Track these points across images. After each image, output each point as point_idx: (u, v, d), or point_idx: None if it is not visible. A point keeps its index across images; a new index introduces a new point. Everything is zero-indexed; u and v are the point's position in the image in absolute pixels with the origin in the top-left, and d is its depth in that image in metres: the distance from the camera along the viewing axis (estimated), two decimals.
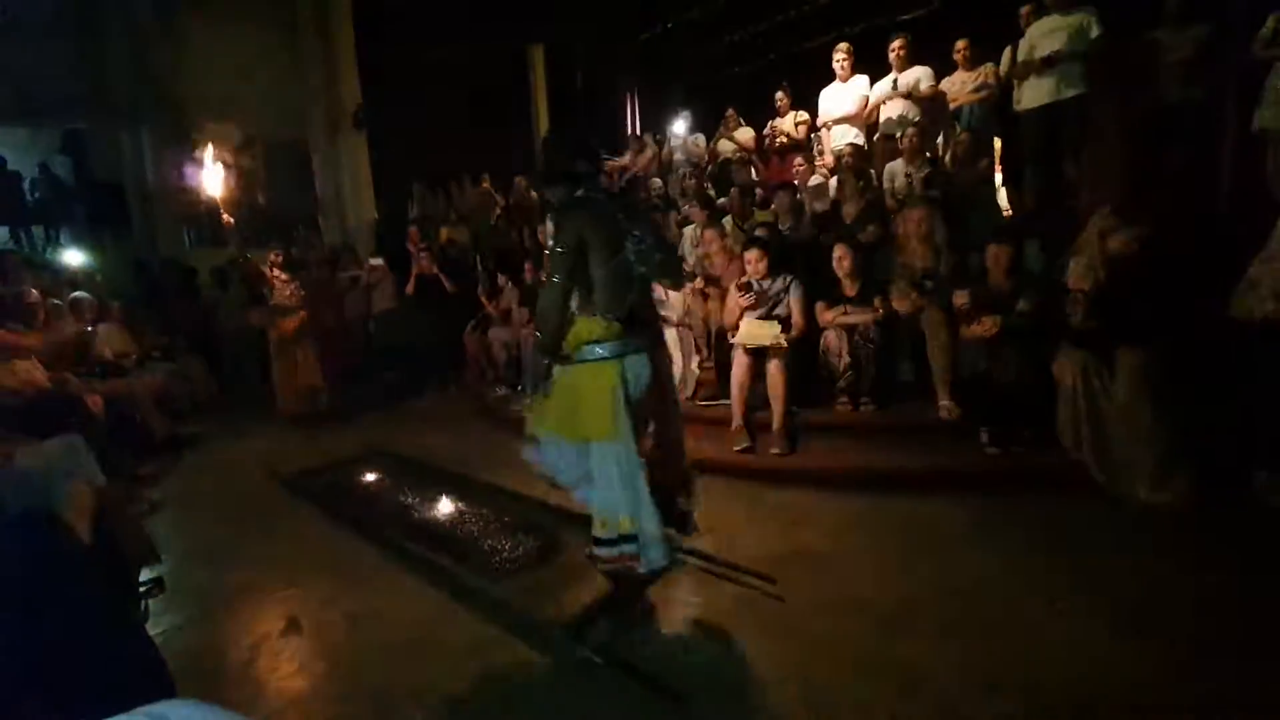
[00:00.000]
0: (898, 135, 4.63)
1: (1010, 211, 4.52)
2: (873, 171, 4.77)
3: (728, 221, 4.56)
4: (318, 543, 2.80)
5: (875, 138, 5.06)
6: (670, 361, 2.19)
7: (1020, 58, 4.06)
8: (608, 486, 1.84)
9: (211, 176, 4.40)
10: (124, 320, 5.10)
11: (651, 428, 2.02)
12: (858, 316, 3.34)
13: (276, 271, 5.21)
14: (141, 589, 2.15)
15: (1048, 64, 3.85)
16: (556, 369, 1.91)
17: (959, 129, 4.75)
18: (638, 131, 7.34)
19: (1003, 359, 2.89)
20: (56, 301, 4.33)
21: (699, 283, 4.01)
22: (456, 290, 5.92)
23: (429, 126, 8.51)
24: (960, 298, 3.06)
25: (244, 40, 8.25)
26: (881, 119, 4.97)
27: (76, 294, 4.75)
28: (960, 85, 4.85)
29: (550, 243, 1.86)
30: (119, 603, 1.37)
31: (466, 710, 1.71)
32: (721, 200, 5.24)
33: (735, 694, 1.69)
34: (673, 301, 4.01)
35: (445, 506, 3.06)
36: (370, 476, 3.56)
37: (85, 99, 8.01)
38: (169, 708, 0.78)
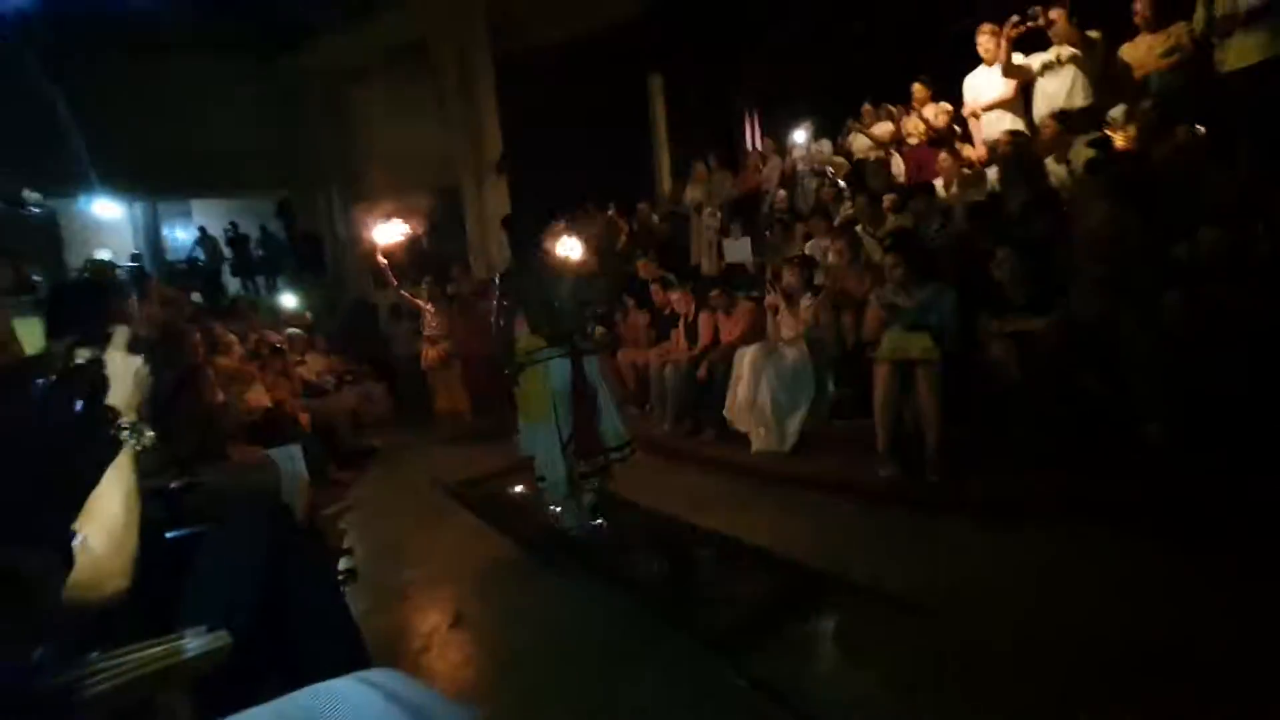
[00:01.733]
0: (1062, 116, 4.10)
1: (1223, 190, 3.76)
2: (1043, 159, 4.21)
3: (861, 229, 4.35)
4: (476, 545, 3.07)
5: (1038, 121, 4.51)
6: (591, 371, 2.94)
7: (1219, 11, 3.44)
8: (544, 449, 2.83)
9: (386, 229, 5.01)
10: (325, 351, 6.09)
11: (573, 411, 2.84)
12: (1028, 323, 2.93)
13: (427, 305, 5.76)
14: (340, 577, 2.52)
15: (1254, 16, 3.23)
16: (521, 372, 2.87)
17: (1145, 101, 4.09)
18: (758, 146, 7.26)
19: (1235, 369, 2.39)
20: (278, 337, 5.31)
21: (826, 291, 3.85)
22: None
23: (560, 164, 9.18)
24: (1172, 296, 2.56)
25: (401, 104, 9.59)
26: (1041, 100, 4.45)
27: (291, 330, 5.78)
28: (1145, 50, 4.16)
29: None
30: (332, 583, 1.62)
31: (613, 715, 1.75)
32: (850, 208, 5.00)
33: None
34: (785, 318, 3.92)
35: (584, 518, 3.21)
36: (518, 488, 3.85)
37: (288, 170, 9.83)
38: (382, 675, 0.91)
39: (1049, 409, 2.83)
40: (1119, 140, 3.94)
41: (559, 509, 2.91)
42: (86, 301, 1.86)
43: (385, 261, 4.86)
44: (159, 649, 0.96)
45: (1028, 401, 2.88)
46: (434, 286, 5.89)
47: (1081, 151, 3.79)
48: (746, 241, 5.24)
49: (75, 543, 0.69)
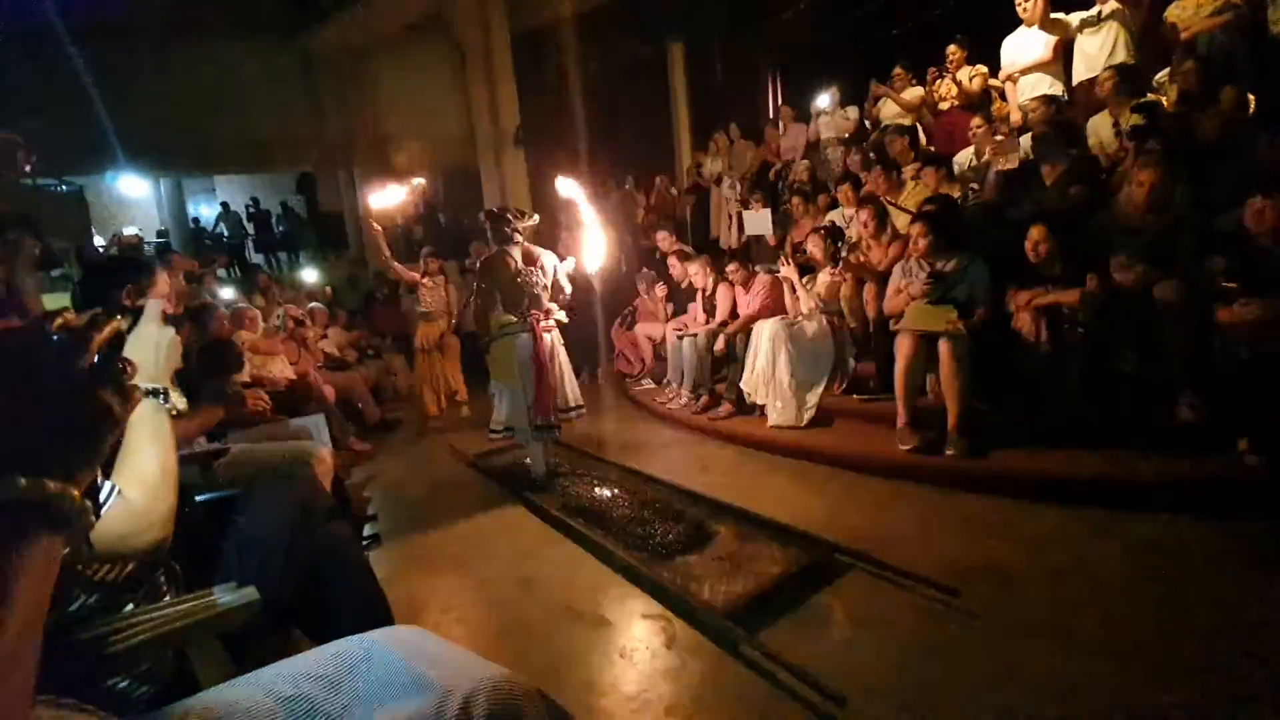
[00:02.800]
0: (1103, 78, 3.90)
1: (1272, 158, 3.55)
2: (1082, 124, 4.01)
3: (883, 198, 4.23)
4: (495, 514, 3.13)
5: (1075, 85, 4.30)
6: (553, 344, 3.34)
7: None
8: (508, 404, 3.39)
9: (381, 195, 4.69)
10: (346, 325, 6.18)
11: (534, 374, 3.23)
12: (1061, 295, 2.82)
13: (425, 279, 5.21)
14: (364, 542, 2.59)
15: None
16: (493, 344, 3.32)
17: (1188, 62, 3.86)
18: (781, 115, 7.02)
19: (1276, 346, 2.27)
20: (301, 311, 5.39)
21: (846, 264, 3.77)
22: (603, 289, 6.25)
23: (578, 136, 9.05)
24: (1217, 268, 2.42)
25: (421, 78, 9.51)
26: (1081, 61, 4.23)
27: (313, 305, 5.87)
28: (1194, 10, 3.93)
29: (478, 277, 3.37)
30: (357, 547, 1.67)
31: (627, 680, 1.78)
32: (867, 178, 4.84)
33: (899, 704, 1.56)
34: (806, 290, 3.87)
35: (601, 489, 3.24)
36: (534, 458, 3.90)
37: (308, 146, 9.86)
38: (406, 632, 0.94)
39: (1079, 384, 2.76)
40: (1167, 104, 3.75)
41: (529, 459, 3.42)
42: (116, 277, 1.90)
43: (380, 229, 4.72)
44: (191, 603, 0.99)
45: (1057, 377, 2.80)
46: (431, 259, 5.34)
47: (1128, 117, 3.61)
48: (767, 214, 5.14)
49: (110, 494, 0.72)
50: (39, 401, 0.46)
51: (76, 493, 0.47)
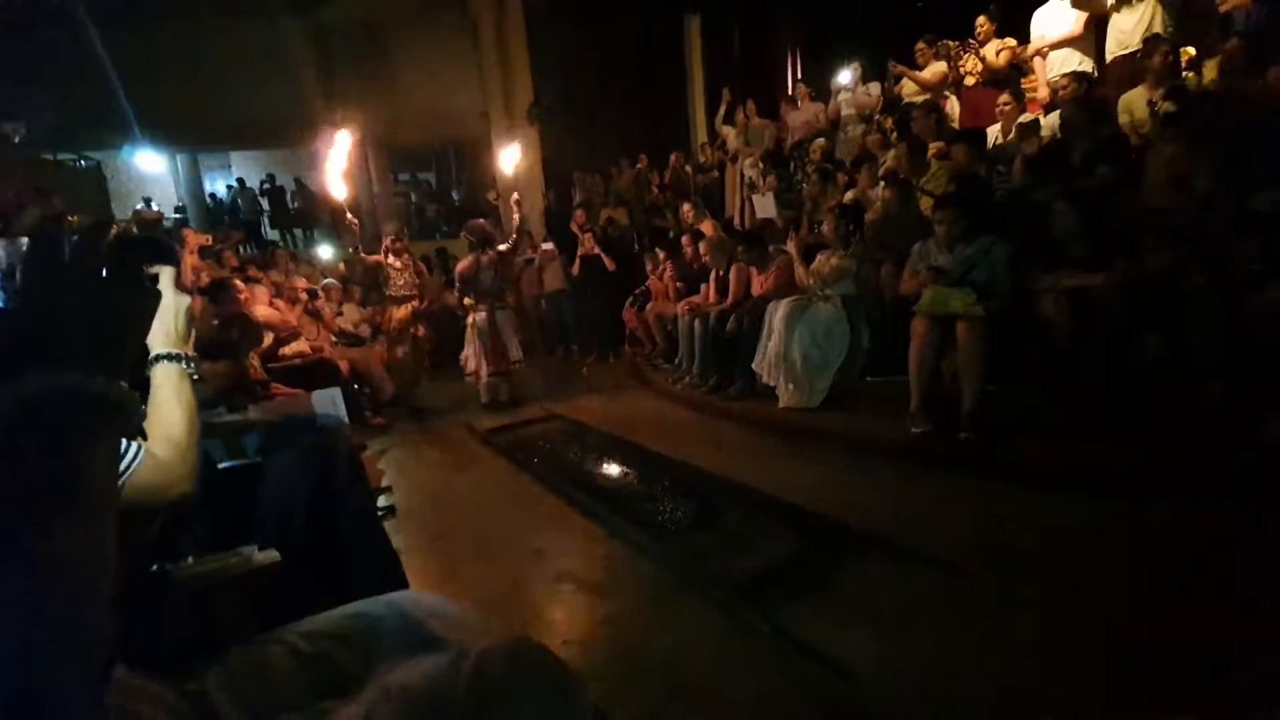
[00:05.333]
0: (1137, 53, 3.76)
1: None
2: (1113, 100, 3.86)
3: (904, 177, 4.14)
4: (508, 488, 3.17)
5: (1108, 61, 4.17)
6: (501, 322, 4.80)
7: None
8: (474, 358, 4.84)
9: (337, 181, 4.22)
10: (360, 302, 6.22)
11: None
12: (1084, 279, 2.75)
13: (391, 259, 4.89)
14: (380, 513, 2.64)
15: None
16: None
17: (1230, 40, 3.71)
18: (796, 90, 6.86)
19: None
20: (314, 288, 5.43)
21: (863, 245, 3.71)
22: (616, 269, 6.22)
23: (592, 112, 8.94)
24: (1248, 251, 2.35)
25: (434, 55, 9.41)
26: (1114, 37, 4.09)
27: (327, 281, 5.91)
28: None
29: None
30: (373, 514, 1.70)
31: (634, 651, 1.81)
32: (888, 157, 4.74)
33: (904, 681, 1.57)
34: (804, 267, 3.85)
35: (611, 466, 3.28)
36: (547, 436, 3.95)
37: (321, 122, 9.83)
38: (419, 595, 0.96)
39: (1100, 369, 2.70)
40: (1204, 82, 3.60)
41: (480, 392, 4.82)
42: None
43: (351, 217, 4.55)
44: (216, 563, 1.03)
45: (1077, 361, 2.75)
46: (395, 239, 5.02)
47: (1161, 105, 3.48)
48: (771, 198, 5.09)
49: (139, 452, 0.74)
50: (68, 302, 0.50)
51: (125, 384, 0.50)
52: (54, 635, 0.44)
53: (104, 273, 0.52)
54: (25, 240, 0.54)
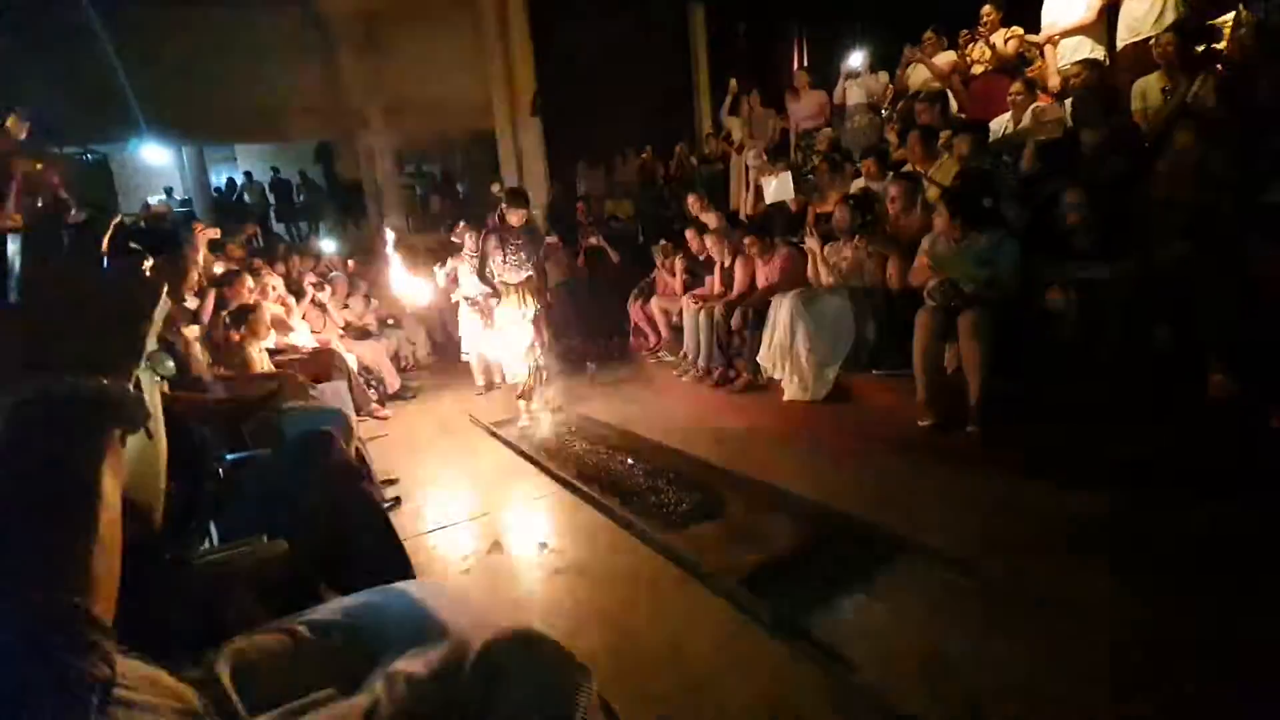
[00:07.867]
0: (1150, 40, 3.69)
1: None
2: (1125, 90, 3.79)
3: (912, 169, 4.10)
4: (512, 478, 3.19)
5: (1120, 48, 4.09)
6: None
7: None
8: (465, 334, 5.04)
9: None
10: (367, 296, 6.24)
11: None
12: (1096, 271, 2.72)
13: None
14: (386, 504, 2.66)
15: None
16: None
17: (1243, 28, 3.63)
18: (798, 78, 6.73)
19: None
20: (318, 281, 5.46)
21: (873, 238, 3.68)
22: (620, 261, 6.21)
23: (596, 103, 8.88)
24: (1260, 243, 2.31)
25: (439, 45, 9.35)
26: (1125, 24, 4.01)
27: (333, 274, 5.93)
28: None
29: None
30: (378, 505, 1.72)
31: (640, 642, 1.82)
32: (900, 150, 4.69)
33: (909, 673, 1.57)
34: (827, 265, 3.81)
35: (617, 458, 3.28)
36: (552, 427, 3.95)
37: (327, 115, 9.81)
38: (429, 585, 0.96)
39: (1108, 362, 2.68)
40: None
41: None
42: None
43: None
44: (225, 553, 1.04)
45: (1085, 354, 2.72)
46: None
47: (1158, 84, 3.42)
48: (788, 177, 5.00)
49: None
50: (71, 297, 0.50)
51: (128, 384, 0.51)
52: (54, 630, 0.44)
53: (104, 265, 0.52)
54: (18, 235, 0.54)
